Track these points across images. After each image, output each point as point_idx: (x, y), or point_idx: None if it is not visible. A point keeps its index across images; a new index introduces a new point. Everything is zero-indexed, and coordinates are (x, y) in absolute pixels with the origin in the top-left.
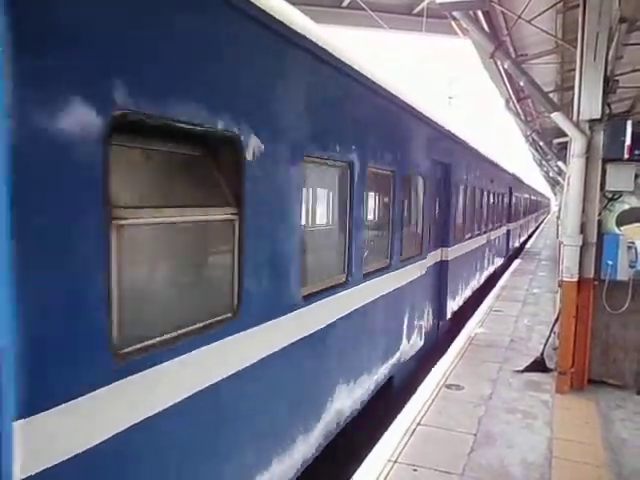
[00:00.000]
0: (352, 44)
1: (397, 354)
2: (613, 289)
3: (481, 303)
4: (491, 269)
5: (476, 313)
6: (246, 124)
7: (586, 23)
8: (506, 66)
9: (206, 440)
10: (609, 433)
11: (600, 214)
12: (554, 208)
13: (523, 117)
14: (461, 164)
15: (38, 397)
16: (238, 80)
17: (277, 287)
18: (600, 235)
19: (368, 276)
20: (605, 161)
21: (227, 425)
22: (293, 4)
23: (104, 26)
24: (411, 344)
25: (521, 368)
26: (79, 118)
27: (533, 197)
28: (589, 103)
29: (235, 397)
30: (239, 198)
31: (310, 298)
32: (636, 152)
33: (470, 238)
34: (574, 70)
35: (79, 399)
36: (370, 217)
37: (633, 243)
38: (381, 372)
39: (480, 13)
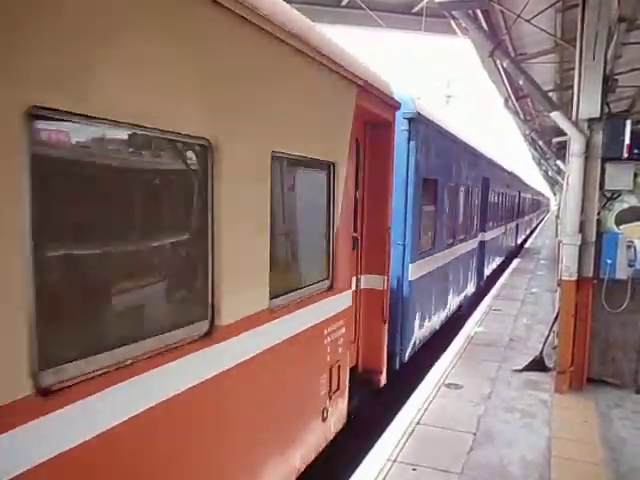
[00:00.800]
0: (351, 43)
1: (466, 291)
2: (612, 288)
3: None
4: (507, 252)
5: (475, 312)
6: (441, 176)
7: (585, 22)
8: (505, 65)
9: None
10: (608, 432)
11: (599, 213)
12: (553, 207)
13: (522, 116)
14: (494, 176)
15: (412, 258)
16: (448, 164)
17: (441, 238)
18: (599, 234)
19: (460, 241)
20: (604, 160)
21: (444, 278)
22: (291, 3)
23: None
24: (470, 288)
25: (520, 367)
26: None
27: (535, 197)
28: (588, 102)
29: (432, 277)
30: (436, 202)
31: (449, 246)
32: (635, 151)
33: (495, 228)
34: (573, 69)
35: (415, 262)
36: (462, 211)
37: (632, 242)
38: (461, 296)
39: (479, 12)
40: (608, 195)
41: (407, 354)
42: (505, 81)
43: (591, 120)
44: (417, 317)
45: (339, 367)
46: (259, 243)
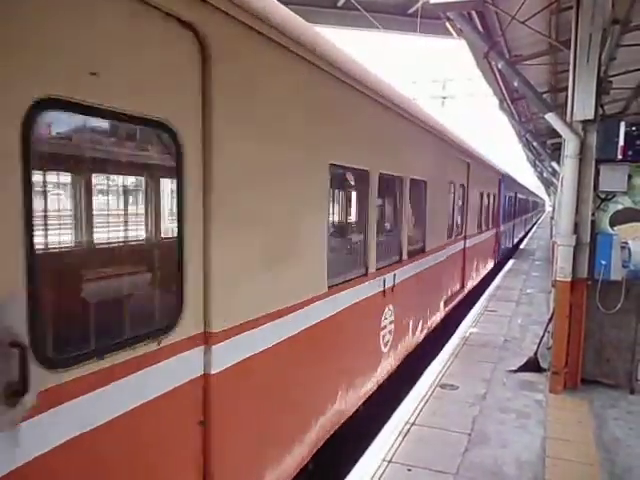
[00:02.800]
0: (347, 44)
1: (501, 252)
2: (606, 289)
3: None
4: (520, 235)
5: (470, 313)
6: (506, 192)
7: (579, 24)
8: (500, 66)
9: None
10: (602, 432)
11: (594, 214)
12: (548, 208)
13: (517, 117)
14: (519, 190)
15: (501, 222)
16: (508, 188)
17: (504, 218)
18: (594, 235)
19: (506, 222)
20: (598, 162)
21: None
22: (287, 4)
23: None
24: (505, 248)
25: (515, 368)
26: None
27: (535, 199)
28: (582, 104)
29: (504, 234)
30: (505, 204)
31: (506, 222)
32: (629, 153)
33: (518, 218)
34: (568, 71)
35: (501, 225)
36: (509, 208)
37: (626, 243)
38: (506, 249)
39: (474, 13)
40: (602, 196)
41: (497, 260)
42: (500, 82)
43: (585, 122)
44: (501, 246)
45: (493, 248)
46: (487, 215)
